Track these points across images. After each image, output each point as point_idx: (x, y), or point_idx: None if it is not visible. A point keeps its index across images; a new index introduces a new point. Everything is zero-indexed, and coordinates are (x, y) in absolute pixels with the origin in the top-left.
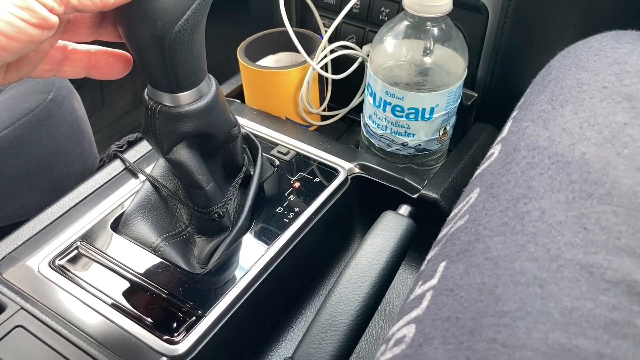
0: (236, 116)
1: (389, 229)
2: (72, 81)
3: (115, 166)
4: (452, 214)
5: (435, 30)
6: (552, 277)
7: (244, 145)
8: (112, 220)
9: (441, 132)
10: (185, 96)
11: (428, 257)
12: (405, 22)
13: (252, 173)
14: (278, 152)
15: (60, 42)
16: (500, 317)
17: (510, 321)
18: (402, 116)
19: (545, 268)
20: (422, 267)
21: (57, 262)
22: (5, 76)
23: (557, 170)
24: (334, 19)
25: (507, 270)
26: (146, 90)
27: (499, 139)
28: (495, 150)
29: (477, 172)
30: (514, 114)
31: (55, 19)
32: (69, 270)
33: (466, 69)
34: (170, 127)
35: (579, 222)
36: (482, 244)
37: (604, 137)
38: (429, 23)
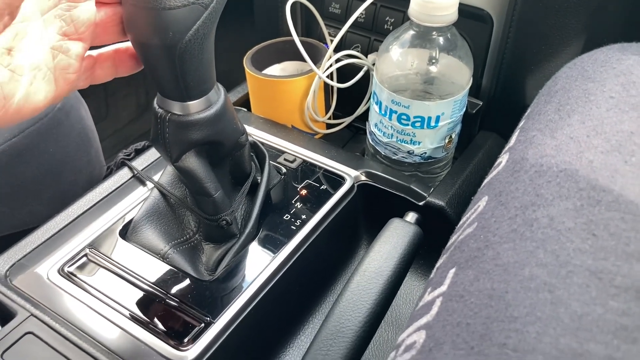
0: (243, 124)
1: (396, 236)
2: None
3: (123, 174)
4: (460, 222)
5: (441, 40)
6: (561, 282)
7: (252, 153)
8: (120, 227)
9: (447, 140)
10: (194, 104)
11: (437, 264)
12: (411, 32)
13: (259, 181)
14: (285, 160)
15: (87, 53)
16: (510, 322)
17: (521, 326)
18: (407, 124)
19: (555, 274)
20: (432, 275)
21: (66, 269)
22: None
23: (565, 178)
24: (339, 28)
25: (517, 276)
26: (155, 99)
27: (506, 148)
28: (503, 159)
29: (485, 181)
30: (521, 123)
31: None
32: (77, 277)
33: (471, 78)
34: (179, 135)
35: (588, 228)
36: (492, 250)
37: (611, 145)
38: (434, 32)
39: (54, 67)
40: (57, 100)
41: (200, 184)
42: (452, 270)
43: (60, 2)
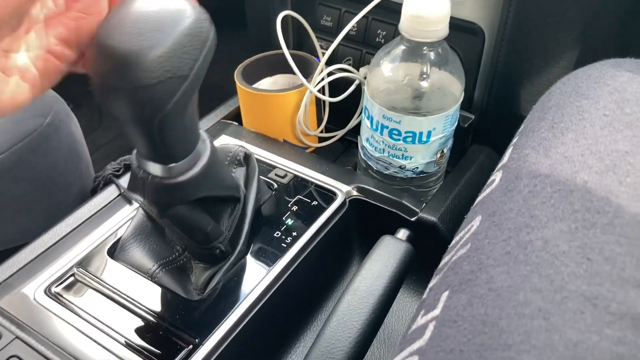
0: (234, 138)
1: (387, 253)
2: (70, 100)
3: (112, 190)
4: (453, 242)
5: (432, 55)
6: (556, 309)
7: (244, 164)
8: (108, 246)
9: (439, 155)
10: (178, 166)
11: (430, 285)
12: (402, 47)
13: (248, 196)
14: (276, 175)
15: None
16: (504, 350)
17: (515, 354)
18: (399, 139)
19: (550, 300)
20: (424, 296)
21: (53, 289)
22: None
23: (560, 199)
24: (330, 41)
25: (511, 302)
26: (134, 153)
27: (499, 165)
28: (497, 177)
29: (478, 199)
30: (514, 140)
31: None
32: (65, 298)
33: (463, 93)
34: (162, 197)
35: (583, 252)
36: (485, 273)
37: (606, 165)
38: (425, 47)
39: (44, 69)
40: (38, 98)
41: (190, 226)
42: (446, 294)
43: (70, 10)
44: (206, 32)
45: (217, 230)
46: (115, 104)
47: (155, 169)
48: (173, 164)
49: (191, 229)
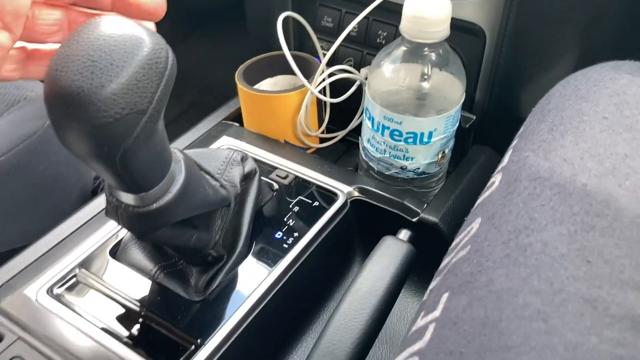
0: (235, 139)
1: (389, 254)
2: None
3: None
4: (453, 244)
5: (433, 55)
6: (555, 311)
7: (241, 164)
8: (110, 247)
9: (440, 156)
10: (150, 194)
11: (430, 286)
12: (403, 48)
13: (246, 198)
14: (277, 175)
15: (19, 44)
16: (504, 352)
17: (514, 356)
18: (400, 140)
19: (549, 302)
20: (425, 297)
21: (55, 290)
22: None
23: (559, 201)
24: (331, 42)
25: (511, 304)
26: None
27: (499, 168)
28: (496, 179)
29: (478, 201)
30: (514, 142)
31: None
32: (67, 299)
33: (464, 93)
34: (138, 225)
35: (582, 255)
36: (485, 276)
37: (605, 168)
38: (426, 48)
39: None
40: None
41: (173, 244)
42: (445, 295)
43: None
44: (164, 61)
45: (203, 238)
46: (70, 142)
47: (126, 198)
48: (144, 193)
49: (175, 247)
